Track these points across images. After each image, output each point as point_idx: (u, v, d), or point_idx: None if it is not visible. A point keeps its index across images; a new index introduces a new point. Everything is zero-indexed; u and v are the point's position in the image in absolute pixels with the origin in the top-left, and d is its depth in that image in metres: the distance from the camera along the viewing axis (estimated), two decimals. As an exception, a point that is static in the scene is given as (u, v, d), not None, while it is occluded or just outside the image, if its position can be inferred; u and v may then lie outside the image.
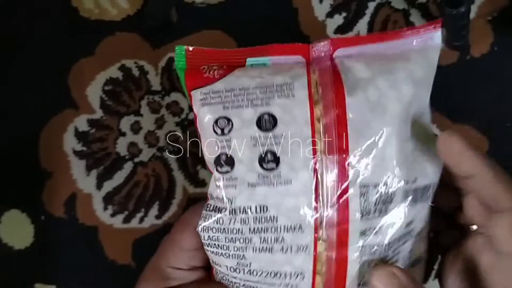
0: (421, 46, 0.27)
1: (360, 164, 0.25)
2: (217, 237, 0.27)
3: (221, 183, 0.26)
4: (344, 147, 0.25)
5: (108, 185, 0.67)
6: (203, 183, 0.66)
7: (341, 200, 0.25)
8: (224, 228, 0.27)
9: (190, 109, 0.67)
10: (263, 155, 0.25)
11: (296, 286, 0.27)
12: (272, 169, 0.25)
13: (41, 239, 0.67)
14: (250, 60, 0.29)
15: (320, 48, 0.30)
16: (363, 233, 0.26)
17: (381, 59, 0.27)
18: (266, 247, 0.26)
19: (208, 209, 0.27)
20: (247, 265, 0.27)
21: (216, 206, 0.27)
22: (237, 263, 0.27)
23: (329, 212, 0.26)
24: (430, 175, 0.28)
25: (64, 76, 0.69)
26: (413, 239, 0.28)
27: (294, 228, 0.26)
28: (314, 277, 0.27)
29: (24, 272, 0.67)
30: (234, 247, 0.27)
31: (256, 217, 0.26)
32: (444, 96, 0.64)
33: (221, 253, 0.28)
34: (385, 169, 0.25)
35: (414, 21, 0.66)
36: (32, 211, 0.67)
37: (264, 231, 0.26)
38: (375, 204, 0.26)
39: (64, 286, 0.66)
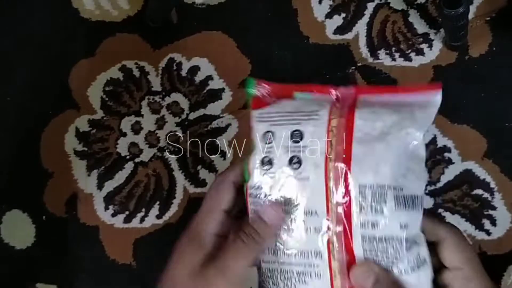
0: (424, 101, 0.38)
1: (360, 169, 0.34)
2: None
3: (264, 175, 0.36)
4: (348, 157, 0.35)
5: (109, 185, 0.67)
6: (204, 183, 0.66)
7: (344, 196, 0.35)
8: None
9: (191, 109, 0.68)
10: (292, 159, 0.35)
11: (317, 266, 0.35)
12: (296, 169, 0.35)
13: (43, 239, 0.67)
14: (297, 94, 0.39)
15: (347, 91, 0.38)
16: (362, 225, 0.34)
17: (392, 104, 0.37)
18: (294, 227, 0.36)
19: (252, 193, 0.37)
20: (282, 244, 0.36)
21: (259, 186, 0.37)
22: (276, 244, 0.36)
23: (336, 203, 0.35)
24: (415, 188, 0.35)
25: (65, 76, 0.69)
26: (413, 244, 0.35)
27: (311, 212, 0.35)
28: (330, 256, 0.35)
29: (25, 272, 0.67)
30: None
31: (285, 201, 0.36)
32: (443, 96, 0.64)
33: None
34: (378, 175, 0.34)
35: (412, 21, 0.66)
36: (33, 211, 0.67)
37: (291, 213, 0.36)
38: (370, 201, 0.34)
39: (65, 286, 0.66)
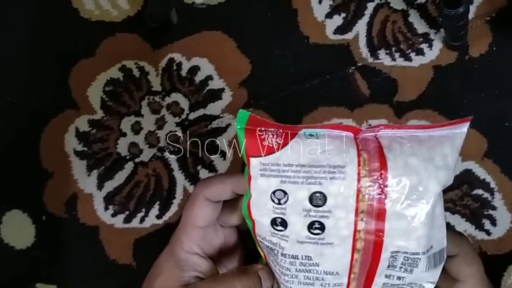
0: (450, 133, 0.33)
1: (393, 239, 0.30)
2: (273, 266, 0.34)
3: (275, 236, 0.32)
4: (381, 228, 0.30)
5: (109, 185, 0.67)
6: (204, 183, 0.66)
7: (373, 260, 0.31)
8: (277, 262, 0.33)
9: (191, 109, 0.67)
10: (312, 224, 0.31)
11: None
12: (318, 234, 0.31)
13: (42, 239, 0.67)
14: (305, 130, 0.32)
15: (369, 130, 0.32)
16: (387, 276, 0.32)
17: (420, 143, 0.31)
18: (309, 282, 0.33)
19: (262, 246, 0.34)
20: None
21: (269, 246, 0.33)
22: None
23: (361, 263, 0.31)
24: (441, 240, 0.33)
25: (65, 76, 0.69)
26: None
27: (333, 273, 0.32)
28: None
29: (25, 272, 0.67)
30: (283, 279, 0.33)
31: (302, 262, 0.32)
32: (443, 96, 0.65)
33: (276, 278, 0.35)
34: (412, 243, 0.30)
35: (412, 21, 0.66)
36: (33, 211, 0.67)
37: (308, 272, 0.32)
38: (401, 264, 0.31)
39: (65, 286, 0.66)
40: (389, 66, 0.66)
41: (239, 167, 0.65)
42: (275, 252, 0.33)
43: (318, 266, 0.32)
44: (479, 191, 0.62)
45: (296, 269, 0.32)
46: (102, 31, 0.70)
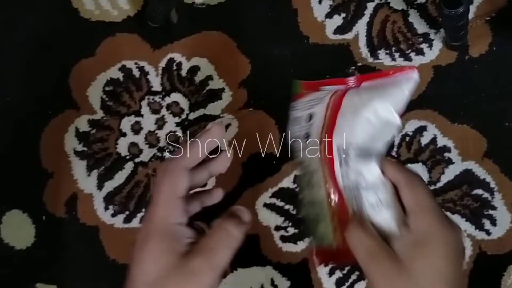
0: (401, 80, 0.44)
1: (338, 134, 0.44)
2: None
3: (302, 151, 0.47)
4: (332, 126, 0.44)
5: (109, 185, 0.67)
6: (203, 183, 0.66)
7: (329, 156, 0.44)
8: (299, 177, 0.47)
9: (191, 109, 0.68)
10: (305, 134, 0.47)
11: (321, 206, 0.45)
12: (307, 142, 0.46)
13: (42, 239, 0.67)
14: (322, 88, 0.49)
15: (352, 81, 0.48)
16: (343, 177, 0.43)
17: (375, 86, 0.46)
18: (306, 178, 0.46)
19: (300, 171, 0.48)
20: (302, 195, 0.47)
21: (300, 166, 0.47)
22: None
23: (328, 163, 0.44)
24: (378, 146, 0.43)
25: (64, 76, 0.69)
26: (371, 188, 0.42)
27: (313, 171, 0.45)
28: (328, 202, 0.44)
29: (25, 272, 0.67)
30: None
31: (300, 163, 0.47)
32: (443, 96, 0.65)
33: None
34: (348, 137, 0.43)
35: (412, 21, 0.66)
36: (33, 211, 0.67)
37: (306, 174, 0.46)
38: (342, 157, 0.43)
39: (65, 286, 0.66)
40: (389, 66, 0.66)
41: (239, 167, 0.66)
42: (300, 169, 0.46)
43: (307, 168, 0.46)
44: (479, 191, 0.62)
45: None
46: (102, 31, 0.70)
